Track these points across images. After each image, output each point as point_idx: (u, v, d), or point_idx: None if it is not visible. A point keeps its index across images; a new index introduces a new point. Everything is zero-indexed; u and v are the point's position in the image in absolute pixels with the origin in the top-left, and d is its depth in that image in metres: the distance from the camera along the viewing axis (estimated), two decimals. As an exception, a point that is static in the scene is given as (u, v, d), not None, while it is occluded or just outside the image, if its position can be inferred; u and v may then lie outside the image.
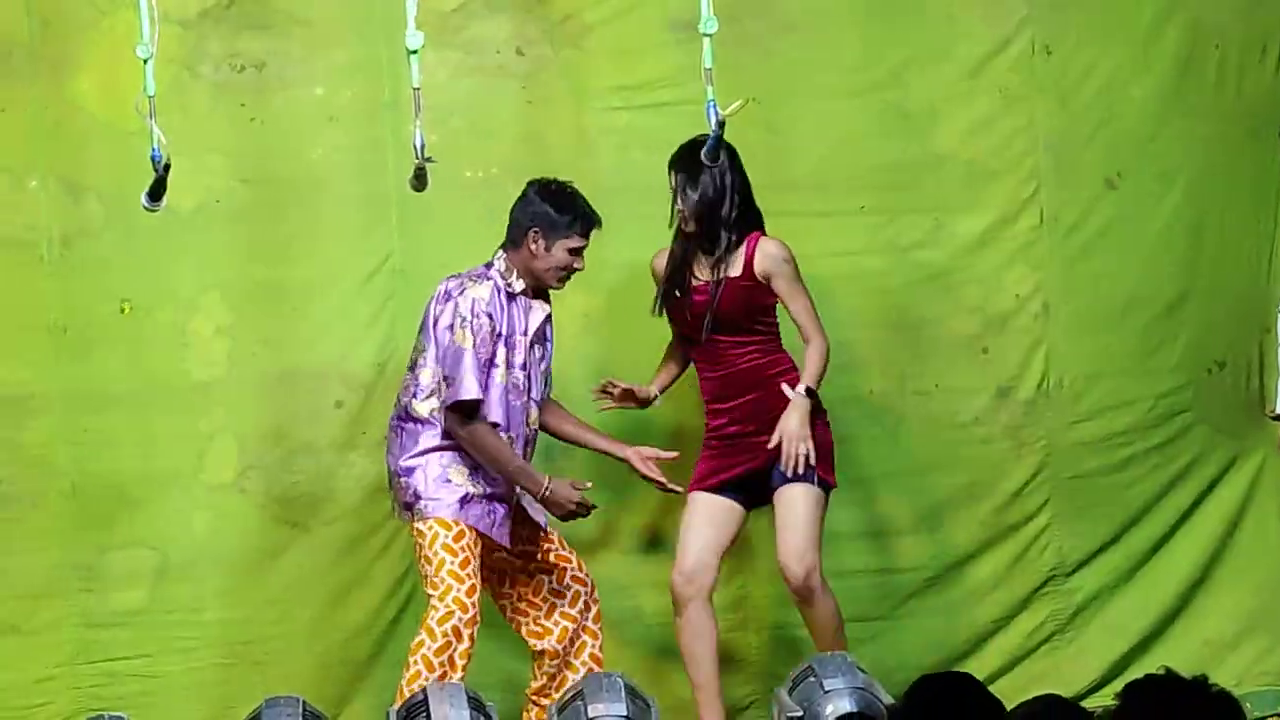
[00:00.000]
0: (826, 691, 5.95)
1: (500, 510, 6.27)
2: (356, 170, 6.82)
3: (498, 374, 6.21)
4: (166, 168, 5.61)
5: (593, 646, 6.49)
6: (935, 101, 7.11)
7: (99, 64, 6.63)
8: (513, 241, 6.29)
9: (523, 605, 6.48)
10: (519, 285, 6.27)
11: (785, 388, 6.43)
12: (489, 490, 6.24)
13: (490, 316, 6.18)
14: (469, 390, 6.14)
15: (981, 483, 7.21)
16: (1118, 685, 7.03)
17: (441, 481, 6.20)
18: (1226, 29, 7.27)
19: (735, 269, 6.44)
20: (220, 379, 6.79)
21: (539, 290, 6.33)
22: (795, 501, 6.41)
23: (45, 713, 6.66)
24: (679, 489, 6.52)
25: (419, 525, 6.20)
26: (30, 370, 6.69)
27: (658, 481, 6.48)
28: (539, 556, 6.46)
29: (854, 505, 7.09)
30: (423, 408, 6.24)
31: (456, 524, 6.17)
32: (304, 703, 5.76)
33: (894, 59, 7.09)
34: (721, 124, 5.77)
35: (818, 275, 6.92)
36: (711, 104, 5.71)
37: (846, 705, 5.86)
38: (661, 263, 6.55)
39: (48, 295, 6.69)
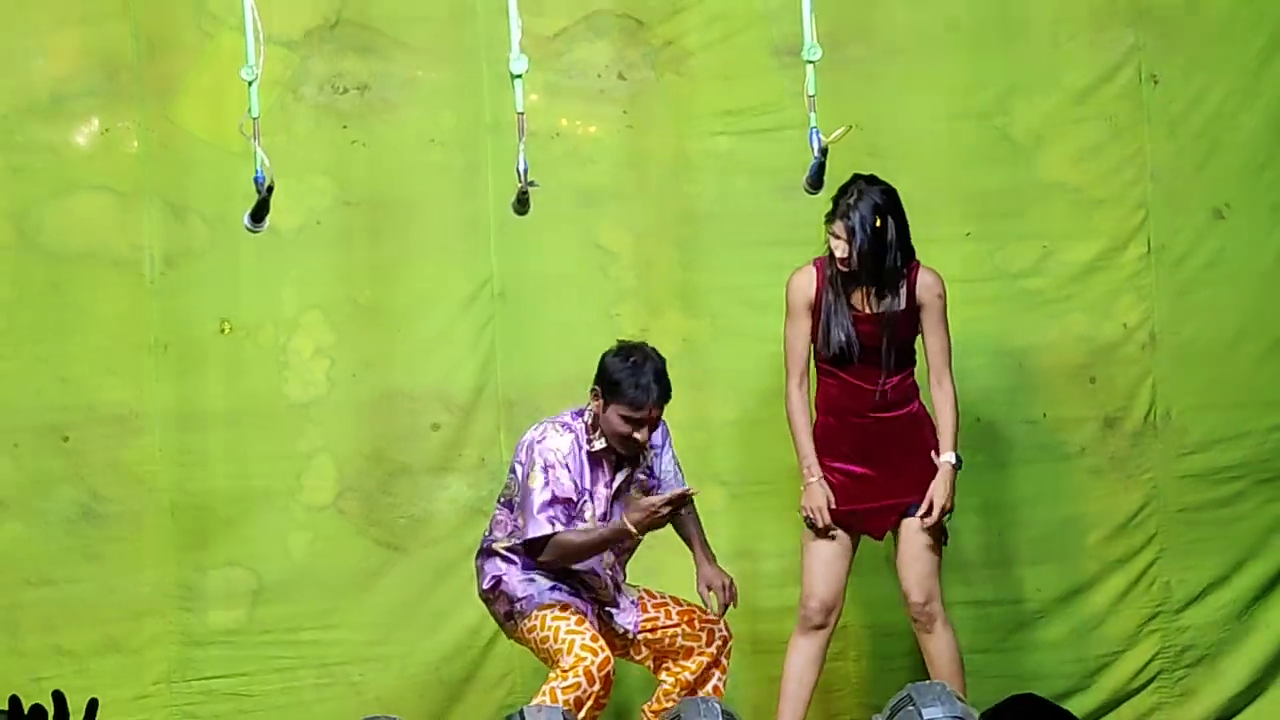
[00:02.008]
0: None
1: (585, 603, 6.32)
2: (457, 192, 6.89)
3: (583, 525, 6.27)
4: (270, 189, 5.70)
5: (718, 680, 6.49)
6: (1041, 128, 7.13)
7: (204, 86, 6.73)
8: (598, 394, 6.31)
9: (662, 659, 6.49)
10: (600, 444, 6.28)
11: (934, 456, 6.47)
12: (573, 585, 6.31)
13: (568, 467, 6.23)
14: (536, 529, 6.18)
15: (1088, 514, 7.22)
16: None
17: (528, 582, 6.25)
18: (1334, 56, 7.27)
19: (900, 300, 6.43)
20: (319, 400, 6.88)
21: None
22: (920, 532, 6.45)
23: None
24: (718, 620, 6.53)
25: (527, 623, 6.23)
26: (131, 389, 6.80)
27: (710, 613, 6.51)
28: (663, 619, 6.47)
29: (958, 535, 7.04)
30: (501, 545, 6.32)
31: (559, 600, 6.22)
32: (392, 723, 5.96)
33: (999, 85, 7.11)
34: (824, 151, 5.85)
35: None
36: (814, 131, 5.81)
37: (946, 734, 5.95)
38: (804, 282, 6.49)
39: (150, 314, 6.80)
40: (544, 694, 6.08)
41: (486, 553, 6.34)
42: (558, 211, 6.87)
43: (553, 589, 6.25)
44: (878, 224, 6.29)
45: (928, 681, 6.26)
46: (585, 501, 6.27)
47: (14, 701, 3.29)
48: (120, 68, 6.79)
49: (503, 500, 6.35)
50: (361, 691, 6.85)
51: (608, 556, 6.34)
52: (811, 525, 6.43)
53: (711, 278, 6.79)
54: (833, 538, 6.42)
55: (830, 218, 6.39)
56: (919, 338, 6.49)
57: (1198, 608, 7.29)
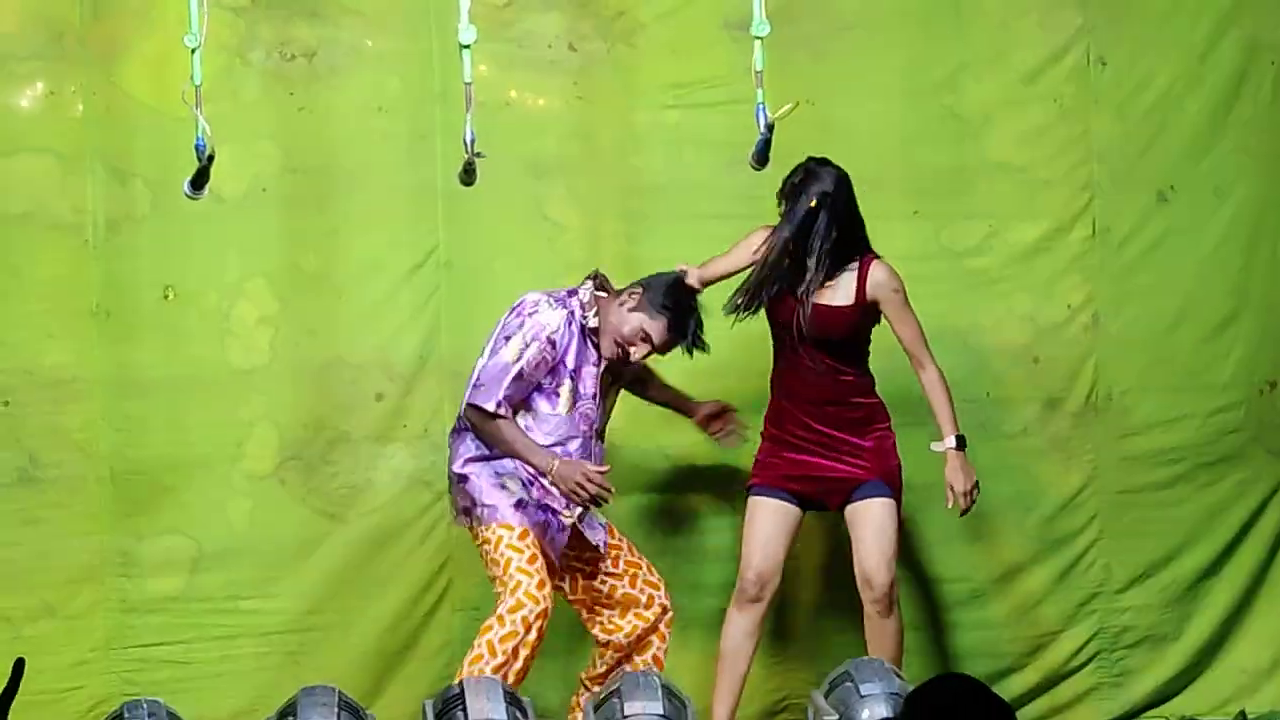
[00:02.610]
0: (863, 696, 6.04)
1: (555, 522, 6.36)
2: (404, 161, 6.89)
3: (561, 404, 6.30)
4: (210, 157, 5.71)
5: (657, 648, 6.56)
6: (989, 108, 7.18)
7: (149, 50, 6.70)
8: (605, 289, 6.36)
9: (597, 607, 6.55)
10: (594, 322, 6.32)
11: (936, 446, 6.54)
12: (543, 501, 6.33)
13: (553, 345, 6.27)
14: (490, 399, 6.21)
15: (1029, 494, 7.28)
16: (1161, 710, 7.20)
17: (497, 488, 6.30)
18: (1281, 45, 7.32)
19: (848, 294, 6.47)
20: (262, 368, 6.86)
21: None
22: (879, 514, 6.50)
23: (79, 696, 6.73)
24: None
25: (484, 533, 6.29)
26: (72, 354, 6.76)
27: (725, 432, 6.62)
28: (608, 563, 6.53)
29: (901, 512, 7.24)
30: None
31: (521, 525, 6.27)
32: (339, 693, 5.81)
33: (949, 63, 7.15)
34: (770, 127, 5.88)
35: (867, 279, 7.10)
36: (761, 107, 5.83)
37: (882, 711, 5.92)
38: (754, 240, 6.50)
39: (92, 279, 6.77)
40: (481, 646, 6.13)
41: (460, 431, 6.37)
42: (506, 182, 6.87)
43: (519, 506, 6.27)
44: (813, 204, 6.32)
45: (868, 658, 6.33)
46: (566, 379, 6.29)
47: None
48: (65, 31, 6.75)
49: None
50: (300, 661, 6.85)
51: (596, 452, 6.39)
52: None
53: (658, 250, 6.80)
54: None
55: (778, 197, 6.44)
56: (880, 331, 6.54)
57: (1137, 589, 7.35)
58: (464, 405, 6.28)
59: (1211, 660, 7.36)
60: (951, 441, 6.54)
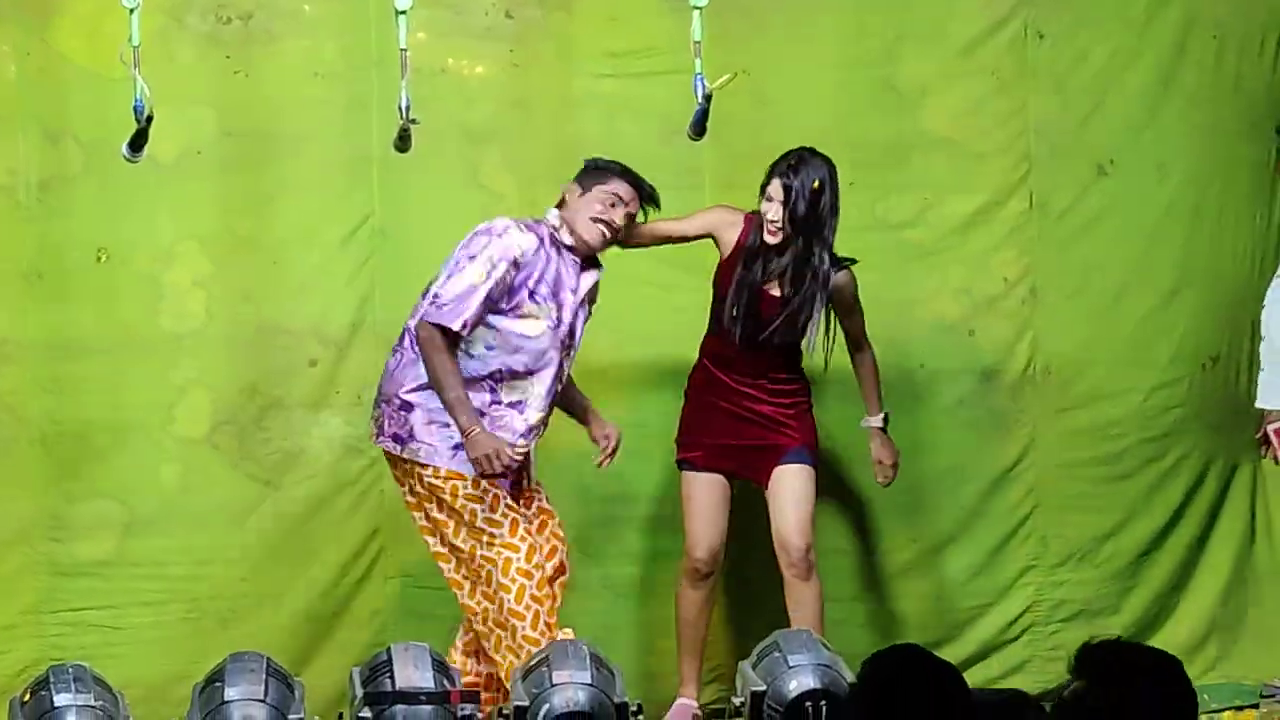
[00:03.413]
0: (791, 667, 6.12)
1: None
2: (340, 127, 6.89)
3: (537, 326, 6.27)
4: (149, 119, 5.72)
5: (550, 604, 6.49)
6: (926, 80, 7.22)
7: (84, 11, 6.69)
8: (560, 204, 6.38)
9: None
10: (567, 239, 6.32)
11: (869, 421, 6.77)
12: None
13: (518, 266, 6.22)
14: (449, 320, 6.12)
15: (964, 466, 7.33)
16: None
17: (439, 426, 6.25)
18: (1224, 20, 7.37)
19: (815, 298, 6.56)
20: (195, 331, 6.85)
21: (588, 258, 6.37)
22: (796, 480, 6.61)
23: (6, 660, 6.72)
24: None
25: (426, 475, 6.22)
26: (3, 316, 6.74)
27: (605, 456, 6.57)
28: (522, 503, 6.46)
29: (834, 483, 7.20)
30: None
31: (471, 472, 6.20)
32: (268, 659, 5.88)
33: (886, 35, 7.19)
34: (708, 97, 5.94)
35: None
36: (699, 77, 5.89)
37: (810, 682, 6.01)
38: (730, 219, 6.60)
39: (24, 241, 6.76)
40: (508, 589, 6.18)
41: (404, 350, 6.32)
42: (441, 150, 6.89)
43: (456, 449, 6.23)
44: (816, 186, 6.39)
45: (795, 629, 6.42)
46: (558, 303, 6.28)
47: None
48: (-3, -11, 6.73)
49: (426, 291, 6.31)
50: (230, 627, 6.85)
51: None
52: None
53: None
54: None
55: (766, 180, 6.48)
56: (822, 330, 6.63)
57: (1074, 563, 7.41)
58: (419, 323, 6.19)
59: (1146, 635, 7.37)
60: (878, 419, 6.76)
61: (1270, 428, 7.14)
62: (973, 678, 7.25)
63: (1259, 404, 7.20)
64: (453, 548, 6.32)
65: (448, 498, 6.26)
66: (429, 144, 6.58)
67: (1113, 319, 7.43)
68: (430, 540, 6.37)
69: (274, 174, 6.92)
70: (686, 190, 6.87)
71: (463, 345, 6.22)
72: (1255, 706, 6.99)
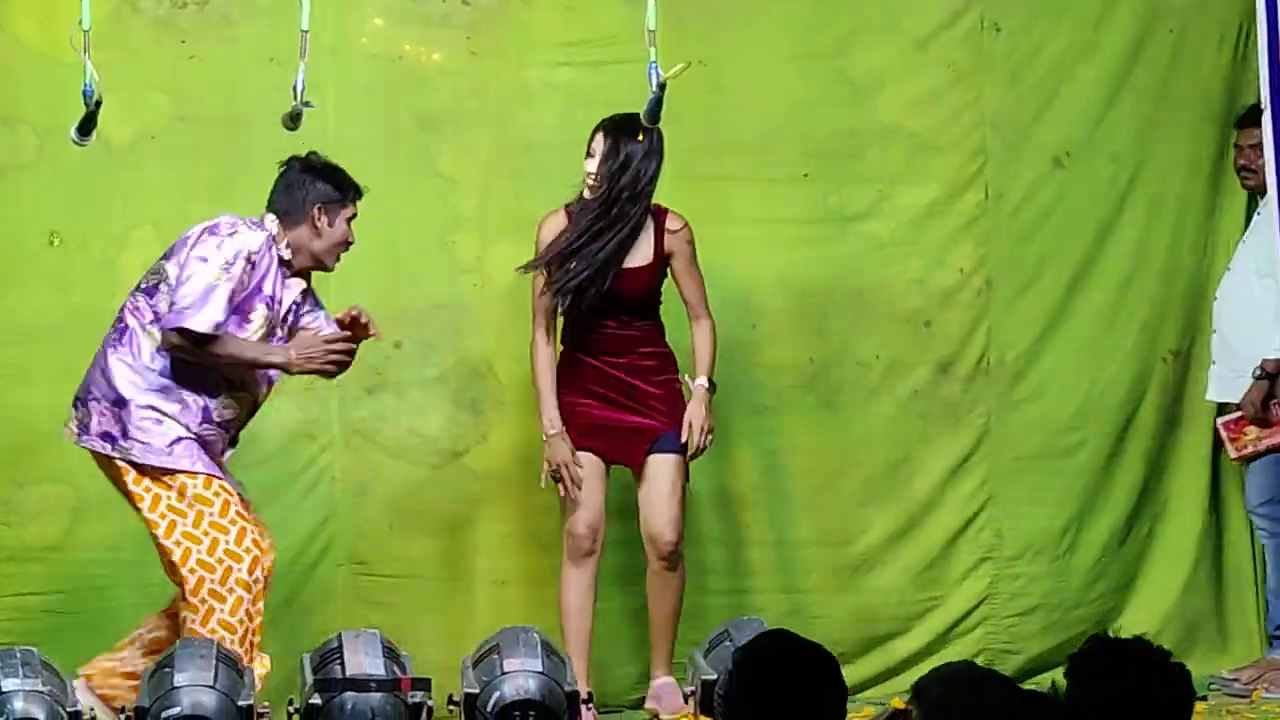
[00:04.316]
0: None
1: (216, 442, 6.28)
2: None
3: (252, 330, 6.23)
4: (98, 104, 5.73)
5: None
6: (882, 72, 7.26)
7: (36, -7, 6.69)
8: (290, 219, 6.30)
9: None
10: (286, 255, 6.30)
11: (687, 380, 6.74)
12: (197, 431, 6.24)
13: (253, 265, 6.19)
14: (201, 325, 6.08)
15: (918, 458, 7.37)
16: (1043, 679, 7.33)
17: (152, 422, 6.19)
18: (1182, 14, 7.41)
19: (647, 252, 6.67)
20: None
21: (299, 271, 6.35)
22: (669, 471, 6.71)
23: None
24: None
25: (135, 474, 6.17)
26: (-46, 299, 6.76)
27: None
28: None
29: (787, 474, 7.29)
30: (154, 338, 6.21)
31: (202, 469, 6.17)
32: (218, 645, 5.93)
33: (842, 27, 7.23)
34: (662, 86, 5.97)
35: (758, 240, 7.18)
36: (654, 66, 5.93)
37: (760, 671, 6.14)
38: (553, 228, 6.68)
39: (-24, 225, 6.76)
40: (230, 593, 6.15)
41: (132, 343, 6.23)
42: (397, 136, 6.96)
43: (172, 445, 6.19)
44: (639, 137, 6.43)
45: (747, 617, 6.49)
46: (261, 306, 6.25)
47: None
48: (-51, -28, 6.76)
49: (145, 287, 6.26)
50: None
51: (240, 413, 6.33)
52: (558, 481, 6.62)
53: (546, 207, 6.77)
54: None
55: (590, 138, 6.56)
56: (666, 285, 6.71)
57: (1029, 556, 7.45)
58: (165, 331, 6.14)
59: (1103, 629, 7.43)
60: (704, 381, 6.76)
61: (1219, 421, 7.25)
62: (925, 669, 7.28)
63: (1209, 397, 7.29)
64: (167, 549, 6.28)
65: (159, 491, 6.20)
66: (385, 130, 6.65)
67: (1068, 311, 7.47)
68: (156, 533, 6.28)
69: (228, 159, 6.95)
70: (642, 180, 6.92)
71: (148, 336, 6.21)
72: (1204, 699, 7.05)
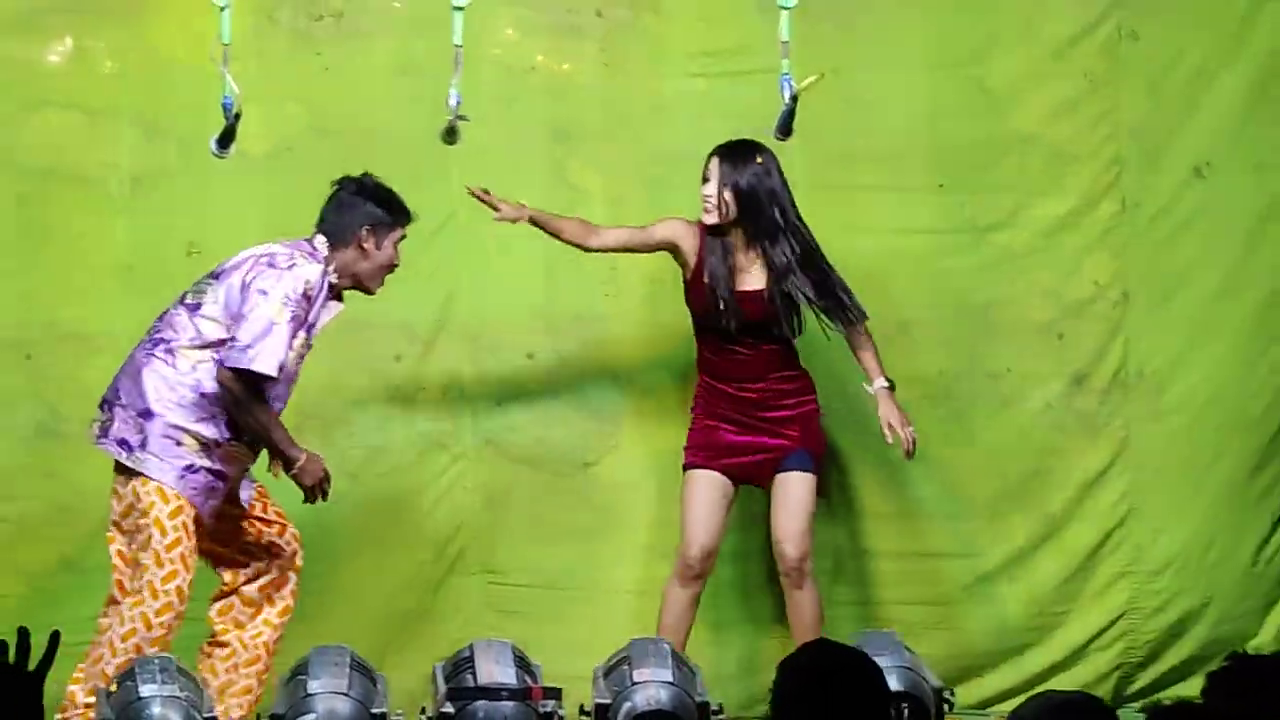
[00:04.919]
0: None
1: (220, 488, 6.31)
2: (427, 124, 6.83)
3: (290, 358, 6.26)
4: (237, 116, 5.85)
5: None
6: (1018, 81, 7.26)
7: (179, 6, 6.82)
8: (338, 241, 6.34)
9: (240, 555, 6.49)
10: (333, 279, 6.34)
11: (867, 386, 6.77)
12: (214, 467, 6.28)
13: (309, 300, 6.24)
14: (266, 367, 6.13)
15: (1052, 471, 7.34)
16: (1181, 691, 7.30)
17: (172, 443, 6.23)
18: (1324, 20, 7.34)
19: (762, 277, 6.66)
20: None
21: (338, 293, 6.40)
22: (796, 487, 6.71)
23: None
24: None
25: (135, 484, 6.22)
26: (95, 308, 6.90)
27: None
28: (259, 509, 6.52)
29: (919, 485, 7.29)
30: (190, 356, 6.25)
31: (177, 498, 6.21)
32: (351, 652, 6.03)
33: (977, 36, 7.23)
34: (795, 98, 6.03)
35: (891, 251, 7.19)
36: (786, 78, 5.98)
37: (893, 684, 6.13)
38: (675, 228, 6.72)
39: (116, 234, 6.91)
40: (133, 620, 6.19)
41: (169, 358, 6.26)
42: (528, 147, 7.02)
43: (185, 472, 6.24)
44: (759, 160, 6.46)
45: (879, 630, 6.50)
46: (305, 334, 6.30)
47: None
48: (94, -16, 6.88)
49: (190, 303, 6.29)
50: (314, 621, 6.84)
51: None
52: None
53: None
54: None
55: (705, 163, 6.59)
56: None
57: (1168, 570, 7.41)
58: (222, 370, 6.17)
59: (1242, 643, 7.30)
60: (884, 381, 6.79)
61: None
62: (1062, 683, 7.30)
63: None
64: (133, 558, 6.32)
65: (154, 513, 6.25)
66: (516, 141, 6.71)
67: (1210, 323, 7.42)
68: (118, 537, 6.36)
69: (363, 170, 6.90)
70: (776, 189, 6.96)
71: (184, 355, 6.25)
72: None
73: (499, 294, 6.88)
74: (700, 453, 6.76)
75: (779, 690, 3.70)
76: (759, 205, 6.61)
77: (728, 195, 6.60)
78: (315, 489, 6.33)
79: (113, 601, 6.37)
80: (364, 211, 6.37)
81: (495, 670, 6.03)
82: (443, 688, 6.05)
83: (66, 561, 6.93)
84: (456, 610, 7.09)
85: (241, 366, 6.16)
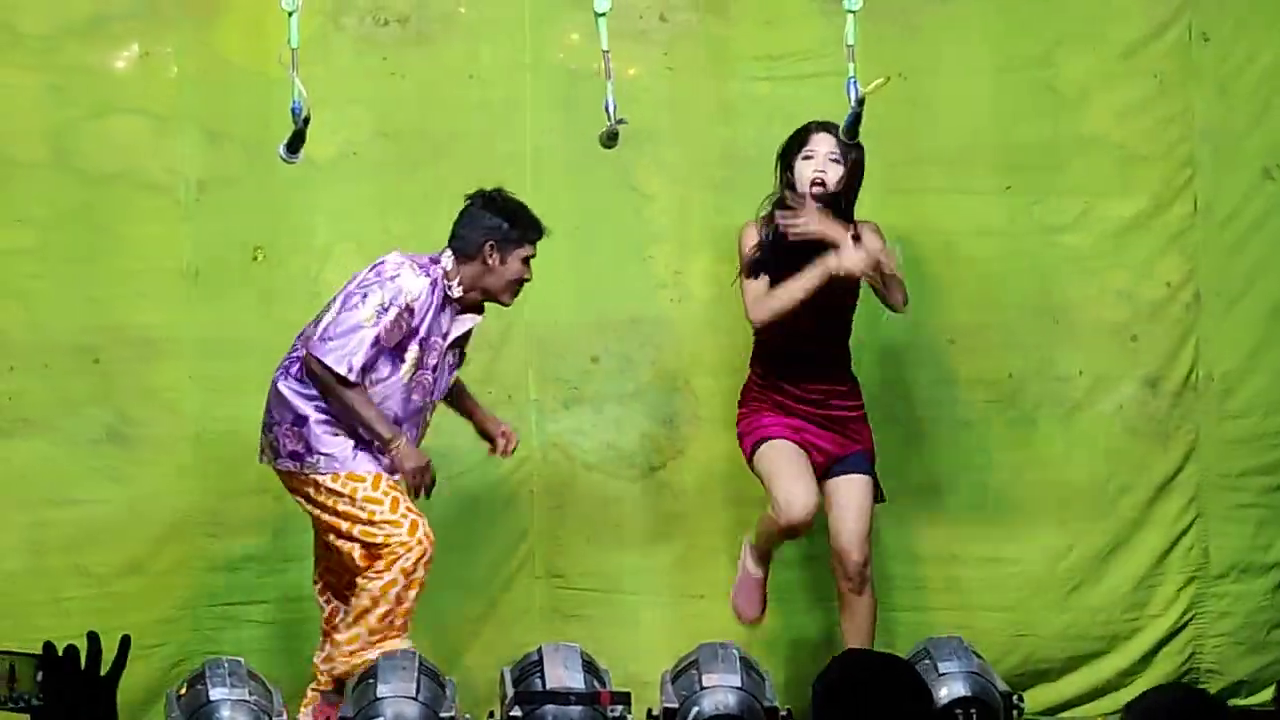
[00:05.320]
0: (941, 675, 6.24)
1: (384, 460, 6.42)
2: (494, 129, 7.05)
3: (404, 370, 6.38)
4: (306, 120, 5.87)
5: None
6: (1087, 82, 7.25)
7: (244, 11, 6.87)
8: (463, 254, 6.44)
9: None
10: (457, 293, 6.42)
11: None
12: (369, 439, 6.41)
13: (412, 312, 6.34)
14: (335, 363, 6.27)
15: (1124, 475, 7.34)
16: (1253, 698, 7.29)
17: (330, 434, 6.38)
18: (1399, 18, 7.30)
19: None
20: None
21: (473, 305, 6.49)
22: (858, 489, 6.62)
23: (163, 653, 6.87)
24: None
25: (326, 484, 6.35)
26: (162, 313, 6.95)
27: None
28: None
29: (987, 490, 7.28)
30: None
31: (371, 472, 6.35)
32: (419, 657, 6.09)
33: (1045, 37, 7.23)
34: (861, 101, 6.02)
35: (959, 254, 7.19)
36: (852, 81, 5.97)
37: (960, 689, 6.14)
38: (754, 236, 6.62)
39: (183, 239, 6.95)
40: (363, 597, 6.29)
41: (282, 374, 6.44)
42: (594, 152, 6.97)
43: (355, 451, 6.38)
44: (855, 137, 6.44)
45: (946, 636, 6.49)
46: (414, 347, 6.38)
47: (48, 647, 3.44)
48: (161, -10, 6.93)
49: (316, 317, 6.45)
50: None
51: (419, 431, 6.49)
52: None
53: (745, 221, 6.91)
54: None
55: (801, 142, 6.56)
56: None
57: (1237, 575, 7.41)
58: (309, 355, 6.33)
59: None
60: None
61: None
62: (1132, 690, 7.27)
63: None
64: (349, 538, 6.42)
65: (359, 494, 6.37)
66: (582, 146, 6.69)
67: (1278, 326, 7.42)
68: (331, 535, 6.46)
69: (429, 175, 7.07)
70: (843, 193, 6.97)
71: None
72: None
73: (565, 298, 6.90)
74: (769, 430, 6.62)
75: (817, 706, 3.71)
76: (858, 183, 6.59)
77: (839, 170, 6.54)
78: (416, 477, 6.38)
79: (329, 631, 6.51)
80: (488, 225, 6.45)
81: (564, 674, 6.06)
82: (511, 691, 6.08)
83: (135, 565, 6.98)
84: (523, 613, 7.12)
85: (315, 355, 6.29)
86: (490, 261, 6.43)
